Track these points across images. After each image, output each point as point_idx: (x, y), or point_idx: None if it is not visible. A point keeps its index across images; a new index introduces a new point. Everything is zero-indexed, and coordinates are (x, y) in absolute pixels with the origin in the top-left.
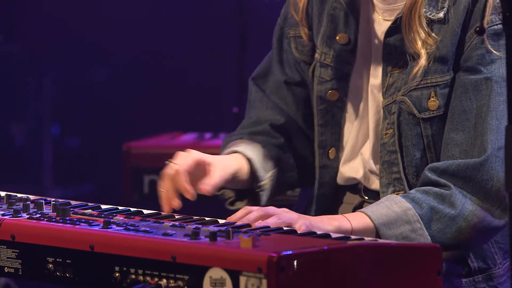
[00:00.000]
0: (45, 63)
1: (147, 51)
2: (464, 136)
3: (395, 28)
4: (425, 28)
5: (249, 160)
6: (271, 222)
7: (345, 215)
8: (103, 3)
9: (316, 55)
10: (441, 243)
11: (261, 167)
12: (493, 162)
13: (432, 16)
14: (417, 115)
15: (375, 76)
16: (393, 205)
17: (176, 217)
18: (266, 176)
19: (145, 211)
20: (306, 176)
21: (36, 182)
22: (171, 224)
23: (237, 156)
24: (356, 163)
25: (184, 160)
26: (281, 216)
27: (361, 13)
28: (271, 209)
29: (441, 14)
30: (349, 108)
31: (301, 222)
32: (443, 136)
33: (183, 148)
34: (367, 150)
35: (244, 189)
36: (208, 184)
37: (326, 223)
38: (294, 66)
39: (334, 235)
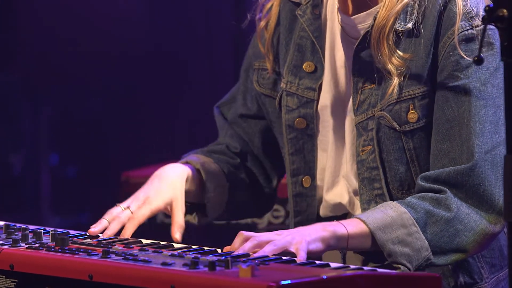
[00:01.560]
0: (43, 92)
1: (145, 80)
2: (451, 145)
3: (364, 45)
4: (393, 49)
5: (197, 171)
6: (268, 250)
7: (340, 221)
8: (100, 33)
9: (282, 84)
10: (439, 247)
11: (209, 178)
12: (482, 166)
13: (401, 28)
14: (397, 128)
15: (345, 96)
16: (388, 210)
17: (175, 246)
18: (215, 188)
19: (144, 240)
20: (259, 203)
21: (34, 212)
22: (170, 253)
23: (186, 167)
24: (339, 188)
25: (143, 212)
26: (276, 242)
27: (327, 36)
28: (264, 236)
29: (410, 25)
30: (321, 135)
31: (297, 243)
32: (426, 148)
33: None
34: (348, 171)
35: (194, 203)
36: (177, 232)
37: (321, 230)
38: (255, 98)
39: (333, 265)
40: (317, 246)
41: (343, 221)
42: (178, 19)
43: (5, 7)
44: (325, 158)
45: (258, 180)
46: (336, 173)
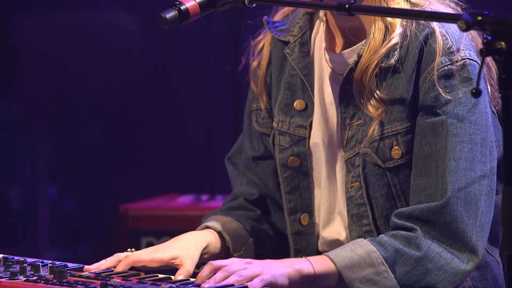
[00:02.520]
0: (41, 125)
1: (143, 112)
2: (428, 181)
3: (349, 82)
4: (374, 90)
5: (219, 234)
6: (232, 281)
7: (308, 258)
8: (97, 65)
9: (274, 124)
10: (408, 286)
11: (233, 239)
12: (455, 204)
13: (384, 64)
14: (382, 165)
15: (336, 132)
16: (357, 248)
17: (173, 279)
18: (241, 247)
19: (142, 273)
20: (286, 246)
21: (32, 244)
22: (168, 286)
23: (206, 233)
24: (336, 224)
25: (142, 256)
26: (241, 273)
27: (316, 73)
28: (234, 265)
29: (393, 61)
30: (315, 172)
31: (263, 274)
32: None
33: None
34: (341, 208)
35: None
36: (181, 274)
37: (287, 267)
38: (260, 139)
39: None
40: (282, 281)
41: (311, 259)
42: (178, 52)
43: (3, 40)
44: (320, 194)
45: (281, 227)
46: (332, 210)
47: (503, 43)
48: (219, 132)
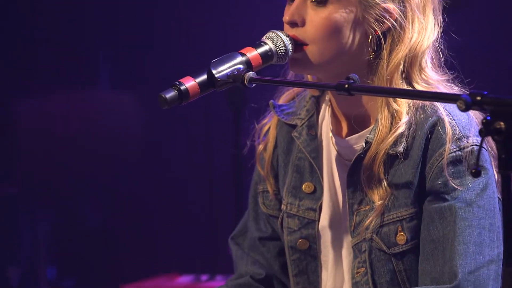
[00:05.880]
0: (40, 205)
1: (144, 192)
2: (434, 265)
3: (357, 168)
4: (381, 179)
5: None
6: None
7: None
8: (97, 146)
9: (283, 206)
10: None
11: None
12: (465, 287)
13: (392, 151)
14: (386, 251)
15: (343, 217)
16: None
17: None
18: None
19: None
20: None
21: None
22: None
23: None
24: None
25: None
26: None
27: (324, 156)
28: None
29: (400, 148)
30: (323, 255)
31: None
32: (416, 270)
33: None
34: None
35: None
36: None
37: None
38: (267, 220)
39: None
40: None
41: None
42: (178, 133)
43: (3, 120)
44: (327, 277)
45: None
46: None
47: (502, 123)
48: (220, 212)
